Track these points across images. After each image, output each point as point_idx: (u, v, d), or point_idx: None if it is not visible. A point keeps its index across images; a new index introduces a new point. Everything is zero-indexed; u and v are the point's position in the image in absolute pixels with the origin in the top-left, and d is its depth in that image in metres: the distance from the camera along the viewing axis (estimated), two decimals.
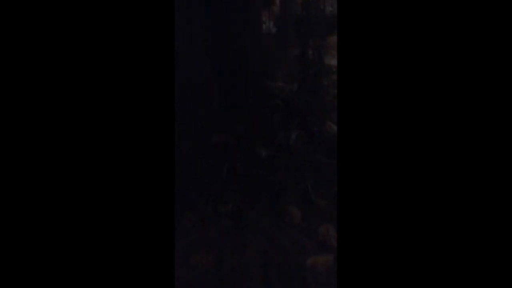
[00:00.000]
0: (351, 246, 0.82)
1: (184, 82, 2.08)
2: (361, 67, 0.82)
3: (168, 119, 0.86)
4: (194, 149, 2.07)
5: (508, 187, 0.76)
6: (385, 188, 0.81)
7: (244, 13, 2.32)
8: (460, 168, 0.79)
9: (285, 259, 1.56)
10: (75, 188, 0.82)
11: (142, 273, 0.84)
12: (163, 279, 0.85)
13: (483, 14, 0.78)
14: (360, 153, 0.82)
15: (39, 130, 0.81)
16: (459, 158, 0.79)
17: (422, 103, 0.80)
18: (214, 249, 1.65)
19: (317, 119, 2.30)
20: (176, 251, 1.21)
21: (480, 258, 0.77)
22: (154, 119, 0.85)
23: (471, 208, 0.78)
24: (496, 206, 0.77)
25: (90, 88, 0.83)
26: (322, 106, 2.44)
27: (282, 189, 1.89)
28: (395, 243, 0.81)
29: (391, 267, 0.81)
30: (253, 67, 2.44)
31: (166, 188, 0.85)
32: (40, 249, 0.80)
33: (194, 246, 1.69)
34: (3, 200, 0.79)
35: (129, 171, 0.84)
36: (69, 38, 0.82)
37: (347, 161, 0.83)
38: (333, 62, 2.70)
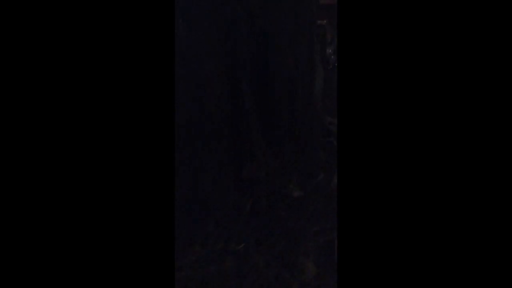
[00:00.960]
0: None
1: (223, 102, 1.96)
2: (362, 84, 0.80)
3: (169, 128, 0.86)
4: (221, 179, 1.92)
5: (508, 187, 0.76)
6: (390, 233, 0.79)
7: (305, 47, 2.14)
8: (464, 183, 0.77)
9: None
10: (71, 199, 0.81)
11: None
12: None
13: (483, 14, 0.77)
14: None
15: (37, 130, 0.79)
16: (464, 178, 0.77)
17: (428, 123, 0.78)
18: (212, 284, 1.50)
19: None
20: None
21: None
22: (155, 128, 0.84)
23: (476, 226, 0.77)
24: (496, 206, 0.76)
25: (88, 91, 0.81)
26: None
27: (303, 237, 1.65)
28: None
29: None
30: (309, 99, 2.25)
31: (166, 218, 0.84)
32: (40, 250, 0.79)
33: (193, 281, 1.55)
34: (2, 200, 0.78)
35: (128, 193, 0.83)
36: (66, 35, 0.81)
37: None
38: None
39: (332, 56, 3.06)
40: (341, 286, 0.83)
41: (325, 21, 3.38)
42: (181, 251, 1.62)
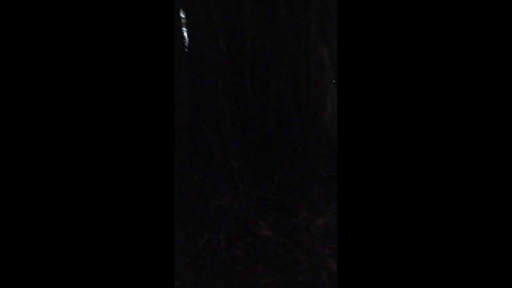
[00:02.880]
0: None
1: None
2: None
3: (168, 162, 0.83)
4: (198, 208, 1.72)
5: (508, 187, 0.75)
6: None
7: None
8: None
9: None
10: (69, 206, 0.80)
11: None
12: None
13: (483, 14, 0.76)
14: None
15: (38, 129, 0.79)
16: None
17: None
18: None
19: None
20: None
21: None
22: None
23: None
24: (496, 206, 0.75)
25: (85, 94, 0.80)
26: None
27: None
28: None
29: None
30: (313, 124, 1.96)
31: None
32: (41, 251, 0.79)
33: None
34: (3, 200, 0.78)
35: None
36: (66, 34, 0.80)
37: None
38: None
39: None
40: None
41: None
42: None
